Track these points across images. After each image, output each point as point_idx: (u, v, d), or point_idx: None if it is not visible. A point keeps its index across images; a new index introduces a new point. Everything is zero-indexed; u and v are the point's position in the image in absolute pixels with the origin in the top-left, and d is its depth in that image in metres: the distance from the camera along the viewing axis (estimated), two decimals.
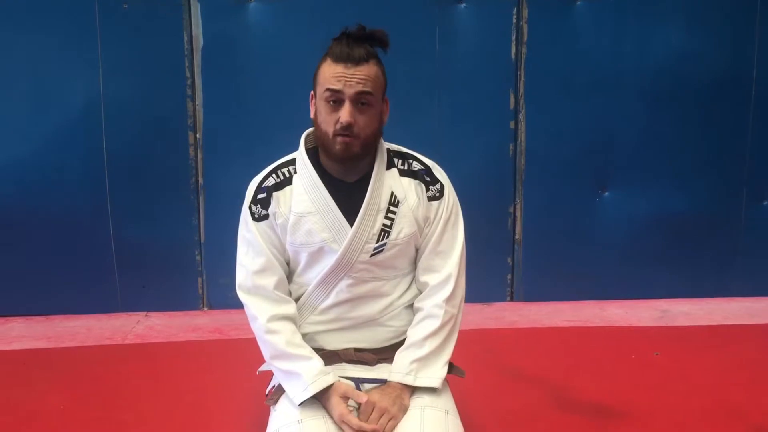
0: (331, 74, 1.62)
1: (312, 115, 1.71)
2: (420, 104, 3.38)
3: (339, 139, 1.63)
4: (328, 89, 1.62)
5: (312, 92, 1.70)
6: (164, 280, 3.47)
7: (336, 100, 1.62)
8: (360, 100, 1.62)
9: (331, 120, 1.63)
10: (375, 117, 1.66)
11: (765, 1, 3.42)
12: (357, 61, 1.61)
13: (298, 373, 1.69)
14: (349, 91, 1.61)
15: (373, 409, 1.67)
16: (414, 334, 1.76)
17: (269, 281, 1.74)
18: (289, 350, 1.71)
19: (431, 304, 1.76)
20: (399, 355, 1.77)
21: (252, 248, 1.75)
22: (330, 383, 1.69)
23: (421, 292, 1.81)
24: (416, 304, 1.80)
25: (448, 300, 1.75)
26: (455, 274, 1.77)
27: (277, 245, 1.75)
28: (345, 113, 1.61)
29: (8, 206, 3.34)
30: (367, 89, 1.62)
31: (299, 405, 1.69)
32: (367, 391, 1.72)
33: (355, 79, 1.61)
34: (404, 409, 1.70)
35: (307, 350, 1.73)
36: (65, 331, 3.24)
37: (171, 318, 3.39)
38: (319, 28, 3.28)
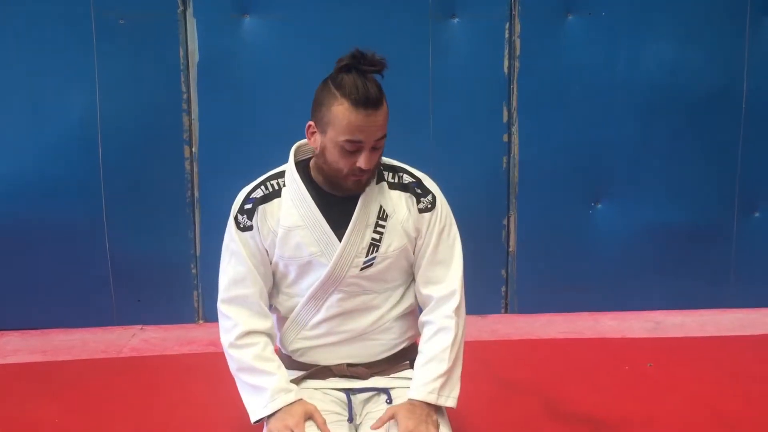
0: (353, 124, 1.56)
1: (314, 146, 1.67)
2: (414, 118, 3.40)
3: (353, 178, 1.63)
4: (348, 140, 1.57)
5: (311, 122, 1.65)
6: (160, 294, 3.47)
7: (355, 149, 1.59)
8: (376, 145, 1.61)
9: (347, 163, 1.61)
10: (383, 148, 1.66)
11: (754, 15, 3.46)
12: (375, 104, 1.56)
13: (261, 387, 1.69)
14: (370, 140, 1.58)
15: (394, 424, 1.65)
16: (431, 349, 1.73)
17: (249, 291, 1.74)
18: (255, 364, 1.70)
19: (441, 316, 1.75)
20: (419, 370, 1.73)
21: (235, 257, 1.75)
22: (290, 402, 1.67)
23: (420, 305, 1.81)
24: (423, 318, 1.79)
25: (456, 311, 1.75)
26: (459, 287, 1.77)
27: (259, 256, 1.75)
28: (365, 161, 1.59)
29: (5, 219, 3.34)
30: (383, 133, 1.61)
31: (253, 422, 1.70)
32: (393, 409, 1.69)
33: (374, 127, 1.57)
34: (436, 426, 1.67)
35: (274, 365, 1.72)
36: (61, 344, 3.25)
37: (166, 331, 3.39)
38: (314, 43, 3.33)
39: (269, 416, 1.69)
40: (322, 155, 1.65)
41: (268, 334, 1.76)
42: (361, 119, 1.55)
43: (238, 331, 1.73)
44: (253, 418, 1.72)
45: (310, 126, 1.66)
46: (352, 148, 1.58)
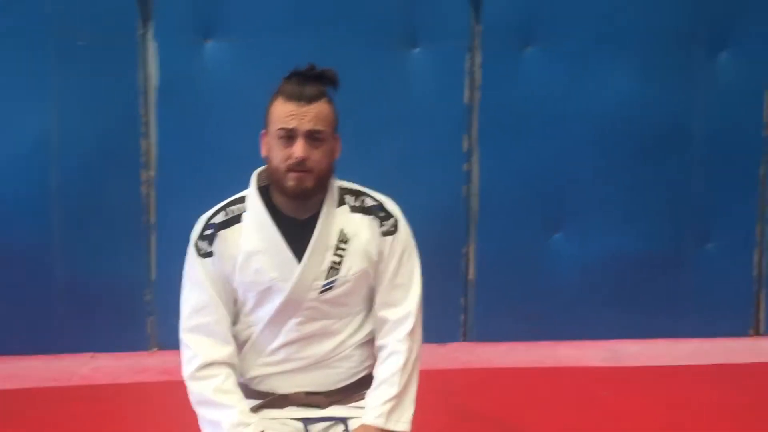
0: (284, 113, 1.63)
1: (263, 153, 1.72)
2: (374, 146, 3.41)
3: (292, 174, 1.64)
4: (281, 128, 1.63)
5: (264, 131, 1.71)
6: (112, 320, 3.39)
7: (289, 137, 1.63)
8: (312, 136, 1.64)
9: (284, 156, 1.64)
10: (327, 152, 1.68)
11: (709, 50, 3.56)
12: (309, 100, 1.63)
13: (219, 422, 1.66)
14: (302, 129, 1.62)
15: None
16: (382, 372, 1.75)
17: (211, 318, 1.71)
18: (214, 398, 1.67)
19: (394, 339, 1.75)
20: (370, 394, 1.74)
21: (196, 285, 1.73)
22: None
23: (377, 330, 1.80)
24: (378, 342, 1.79)
25: (410, 335, 1.75)
26: (415, 310, 1.77)
27: (221, 283, 1.72)
28: (298, 149, 1.62)
29: None
30: (319, 127, 1.64)
31: None
32: None
33: (307, 117, 1.62)
34: None
35: (234, 397, 1.69)
36: (8, 372, 3.14)
37: (118, 359, 3.31)
38: (275, 68, 3.27)
39: None
40: (269, 158, 1.69)
41: (230, 364, 1.73)
42: (292, 108, 1.63)
43: (197, 362, 1.69)
44: None
45: (262, 134, 1.72)
46: (286, 135, 1.63)
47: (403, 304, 1.77)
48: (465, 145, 3.51)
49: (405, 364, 1.73)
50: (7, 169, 3.25)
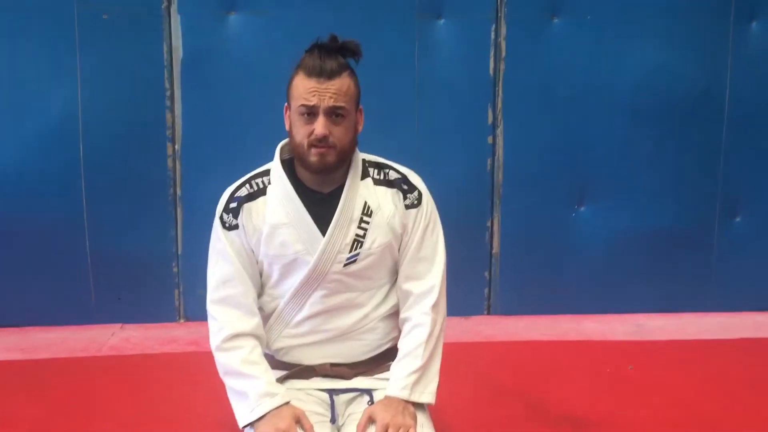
0: (305, 89, 1.63)
1: (287, 127, 1.72)
2: (398, 118, 3.40)
3: (314, 150, 1.64)
4: (302, 104, 1.63)
5: (286, 104, 1.71)
6: (140, 292, 3.44)
7: (310, 113, 1.63)
8: (334, 113, 1.63)
9: (305, 132, 1.64)
10: (349, 127, 1.68)
11: (738, 18, 3.48)
12: (329, 75, 1.62)
13: (246, 392, 1.68)
14: (323, 105, 1.62)
15: (373, 424, 1.66)
16: (406, 345, 1.76)
17: (238, 290, 1.74)
18: (241, 368, 1.69)
19: (418, 312, 1.76)
20: (395, 366, 1.76)
21: (221, 257, 1.75)
22: (275, 406, 1.66)
23: (401, 302, 1.81)
24: (402, 315, 1.80)
25: (434, 307, 1.76)
26: (438, 283, 1.77)
27: (246, 255, 1.74)
28: (319, 126, 1.62)
29: None
30: (340, 103, 1.63)
31: (242, 428, 1.69)
32: (369, 409, 1.70)
33: (328, 94, 1.62)
34: (414, 416, 1.68)
35: (261, 368, 1.71)
36: (39, 342, 3.20)
37: (147, 330, 3.36)
38: (298, 41, 3.27)
39: (258, 420, 1.67)
40: (291, 133, 1.69)
41: (257, 336, 1.75)
42: (312, 84, 1.62)
43: (224, 334, 1.72)
44: (240, 423, 1.71)
45: (285, 107, 1.72)
46: (307, 112, 1.63)
47: (427, 277, 1.78)
48: (489, 118, 3.48)
49: (429, 337, 1.74)
50: (35, 144, 3.28)
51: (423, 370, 1.73)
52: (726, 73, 3.52)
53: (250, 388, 1.68)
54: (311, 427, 1.65)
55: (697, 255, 3.64)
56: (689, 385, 2.71)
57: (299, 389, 1.78)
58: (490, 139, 3.50)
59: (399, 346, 1.79)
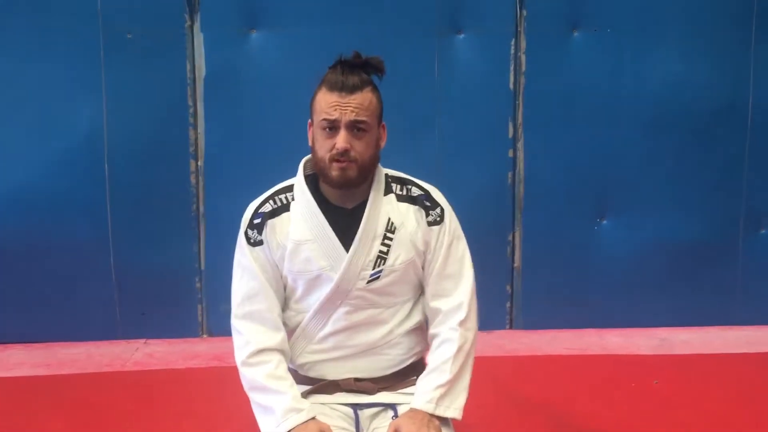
0: (327, 103, 1.64)
1: (310, 143, 1.73)
2: (419, 132, 3.41)
3: (336, 164, 1.65)
4: (324, 119, 1.64)
5: (309, 120, 1.72)
6: (164, 308, 3.47)
7: (332, 127, 1.64)
8: (355, 127, 1.64)
9: (327, 146, 1.65)
10: (371, 142, 1.68)
11: (760, 30, 3.46)
12: (351, 90, 1.63)
13: (272, 408, 1.68)
14: (344, 119, 1.63)
15: None
16: (434, 360, 1.75)
17: (263, 306, 1.74)
18: (266, 383, 1.69)
19: (447, 328, 1.76)
20: (421, 380, 1.76)
21: (246, 273, 1.75)
22: (302, 421, 1.66)
23: (430, 319, 1.81)
24: (431, 331, 1.80)
25: (462, 323, 1.75)
26: (467, 300, 1.77)
27: (271, 270, 1.75)
28: (341, 140, 1.63)
29: (9, 232, 3.35)
30: (362, 118, 1.64)
31: None
32: (395, 422, 1.69)
33: (349, 108, 1.63)
34: (438, 430, 1.68)
35: (286, 384, 1.71)
36: (65, 358, 3.24)
37: (170, 345, 3.39)
38: (320, 58, 3.30)
39: None
40: (314, 148, 1.70)
41: (282, 351, 1.75)
42: (335, 98, 1.63)
43: (250, 349, 1.72)
44: None
45: (309, 124, 1.73)
46: (329, 126, 1.64)
47: (454, 295, 1.77)
48: (510, 131, 3.48)
49: (457, 352, 1.73)
50: (60, 162, 3.33)
51: (450, 384, 1.72)
52: (748, 83, 3.50)
53: (276, 403, 1.68)
54: None
55: (721, 268, 3.61)
56: (715, 400, 2.68)
57: (323, 404, 1.78)
58: (510, 153, 3.50)
59: (427, 361, 1.78)
